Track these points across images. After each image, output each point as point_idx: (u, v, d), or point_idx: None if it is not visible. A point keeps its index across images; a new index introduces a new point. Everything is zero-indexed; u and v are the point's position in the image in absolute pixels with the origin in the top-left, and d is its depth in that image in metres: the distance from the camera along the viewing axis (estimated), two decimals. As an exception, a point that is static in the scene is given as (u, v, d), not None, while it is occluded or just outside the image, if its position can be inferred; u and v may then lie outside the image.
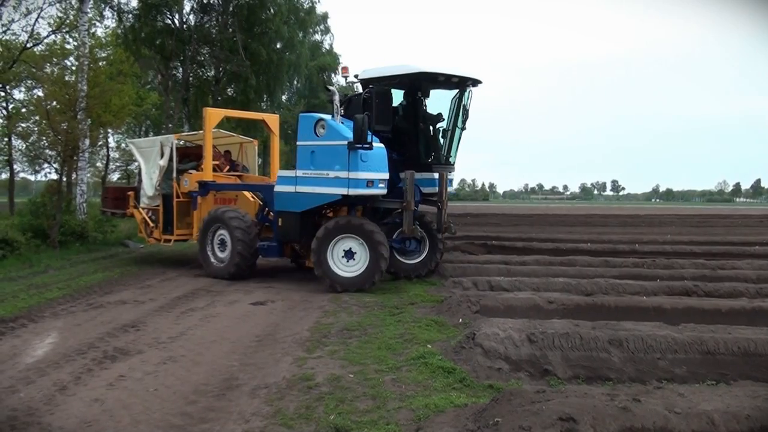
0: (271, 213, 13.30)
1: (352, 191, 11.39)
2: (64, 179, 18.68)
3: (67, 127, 17.49)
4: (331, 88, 12.37)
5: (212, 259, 13.46)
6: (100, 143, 28.02)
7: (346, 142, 11.34)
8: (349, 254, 11.66)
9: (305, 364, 6.82)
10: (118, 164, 33.35)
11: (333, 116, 11.69)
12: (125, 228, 20.92)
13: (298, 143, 12.28)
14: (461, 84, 12.49)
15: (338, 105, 11.67)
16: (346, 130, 11.49)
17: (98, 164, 32.78)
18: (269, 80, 27.34)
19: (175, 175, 14.90)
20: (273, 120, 16.24)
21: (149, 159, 15.34)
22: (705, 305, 8.99)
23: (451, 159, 12.89)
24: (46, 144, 18.62)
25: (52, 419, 5.31)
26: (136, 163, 17.10)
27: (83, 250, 17.10)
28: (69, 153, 17.84)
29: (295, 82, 33.81)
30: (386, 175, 11.65)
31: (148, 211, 15.40)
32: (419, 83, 12.18)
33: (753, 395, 5.12)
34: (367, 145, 11.24)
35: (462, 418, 5.14)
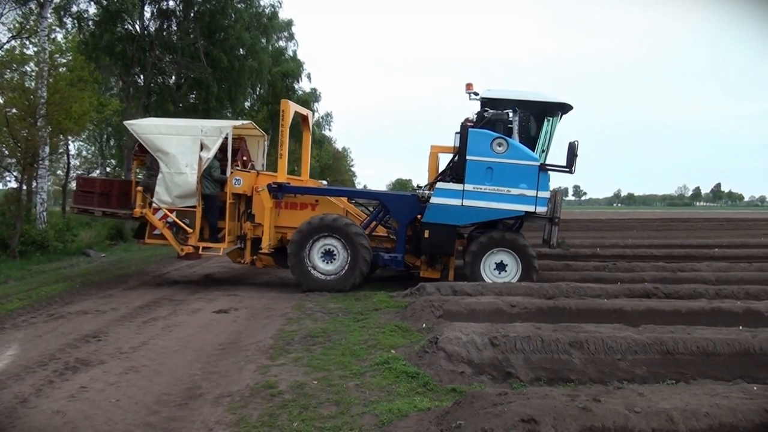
0: (396, 223, 13.21)
1: (540, 209, 12.16)
2: (24, 188, 18.29)
3: (27, 134, 17.17)
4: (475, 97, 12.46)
5: (312, 271, 12.50)
6: (60, 151, 27.48)
7: (537, 163, 12.01)
8: (500, 266, 12.44)
9: (268, 372, 6.82)
10: (78, 172, 32.69)
11: (511, 135, 12.22)
12: (86, 237, 20.62)
13: (468, 157, 12.21)
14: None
15: (517, 125, 12.27)
16: (530, 151, 12.11)
17: (59, 172, 32.16)
18: (231, 87, 27.06)
19: (229, 171, 12.85)
20: (310, 117, 15.43)
21: (180, 147, 12.55)
22: (665, 307, 9.19)
23: None
24: (6, 152, 18.24)
25: (13, 432, 5.25)
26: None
27: (44, 260, 16.79)
28: (29, 161, 17.50)
29: (258, 89, 33.41)
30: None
31: (173, 213, 12.67)
32: (545, 111, 12.50)
33: (711, 393, 5.24)
34: (567, 170, 12.10)
35: (425, 422, 5.18)
